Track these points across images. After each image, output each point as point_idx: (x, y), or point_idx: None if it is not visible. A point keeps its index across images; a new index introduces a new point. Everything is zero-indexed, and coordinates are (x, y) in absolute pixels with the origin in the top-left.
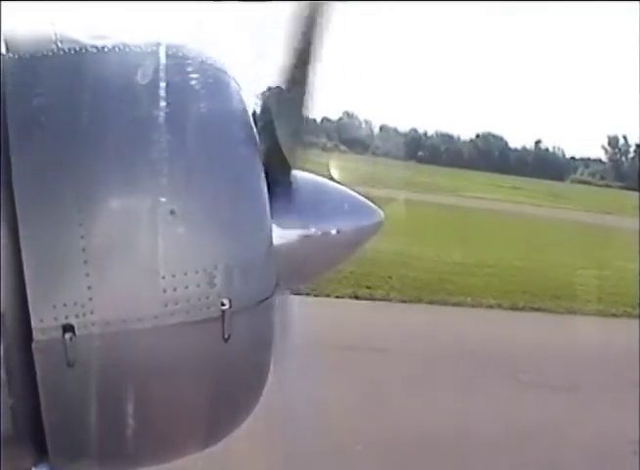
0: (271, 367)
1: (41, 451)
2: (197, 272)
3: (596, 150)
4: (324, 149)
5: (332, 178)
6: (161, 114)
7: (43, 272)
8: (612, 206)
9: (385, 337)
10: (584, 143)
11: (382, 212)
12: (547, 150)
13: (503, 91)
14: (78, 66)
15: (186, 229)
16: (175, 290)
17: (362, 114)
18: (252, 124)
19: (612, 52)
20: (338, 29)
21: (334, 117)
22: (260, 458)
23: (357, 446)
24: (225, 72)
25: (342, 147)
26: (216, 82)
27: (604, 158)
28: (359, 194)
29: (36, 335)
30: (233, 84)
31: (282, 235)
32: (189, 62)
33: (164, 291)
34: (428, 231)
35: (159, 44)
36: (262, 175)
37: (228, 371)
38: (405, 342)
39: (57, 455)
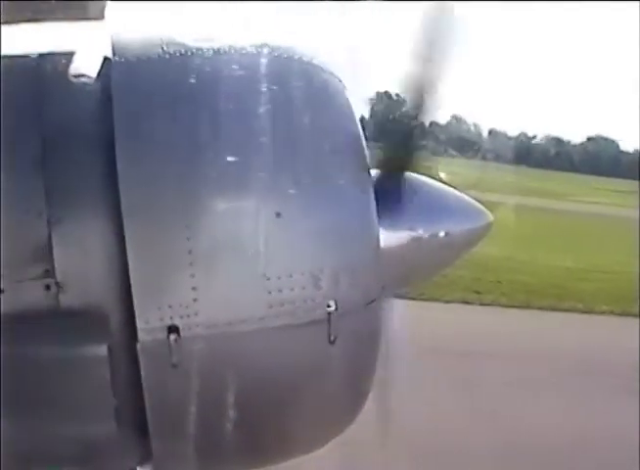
0: (377, 369)
1: (145, 452)
2: (302, 274)
3: None
4: (433, 153)
5: (441, 181)
6: (268, 116)
7: (149, 274)
8: None
9: (494, 342)
10: None
11: (490, 215)
12: None
13: (614, 93)
14: (184, 69)
15: (291, 231)
16: (280, 292)
17: (471, 117)
18: (360, 127)
19: None
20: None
21: (442, 120)
22: (371, 460)
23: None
24: (332, 74)
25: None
26: (323, 85)
27: None
28: (468, 197)
29: (141, 336)
30: (340, 87)
31: (389, 237)
32: (295, 64)
33: (270, 293)
34: (538, 236)
35: (264, 45)
36: (369, 178)
37: (334, 374)
38: (514, 347)
39: (161, 456)
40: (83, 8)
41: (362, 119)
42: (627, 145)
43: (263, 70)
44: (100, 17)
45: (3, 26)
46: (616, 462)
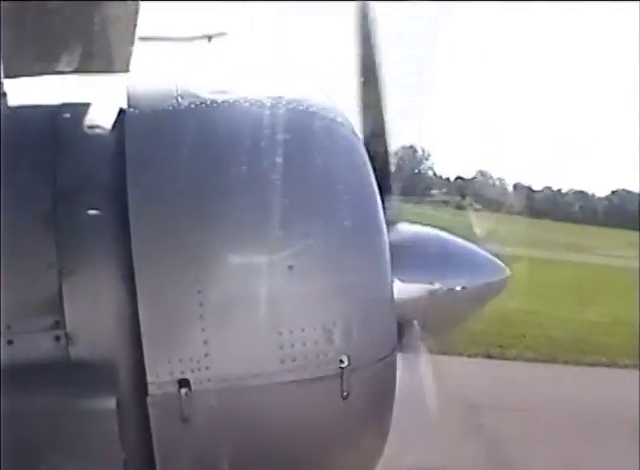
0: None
1: None
2: (315, 329)
3: None
4: (458, 207)
5: (464, 236)
6: (282, 169)
7: (159, 326)
8: None
9: (518, 397)
10: None
11: (508, 270)
12: None
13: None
14: (198, 122)
15: (304, 285)
16: (293, 346)
17: (496, 172)
18: (374, 179)
19: None
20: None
21: (467, 175)
22: None
23: None
24: (347, 127)
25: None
26: (338, 137)
27: None
28: (492, 252)
29: (152, 389)
30: (355, 139)
31: (405, 290)
32: (310, 117)
33: (282, 347)
34: (562, 289)
35: (280, 98)
36: (384, 230)
37: (347, 430)
38: (539, 402)
39: None
40: (109, 60)
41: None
42: None
43: (278, 122)
44: (125, 69)
45: (27, 78)
46: None
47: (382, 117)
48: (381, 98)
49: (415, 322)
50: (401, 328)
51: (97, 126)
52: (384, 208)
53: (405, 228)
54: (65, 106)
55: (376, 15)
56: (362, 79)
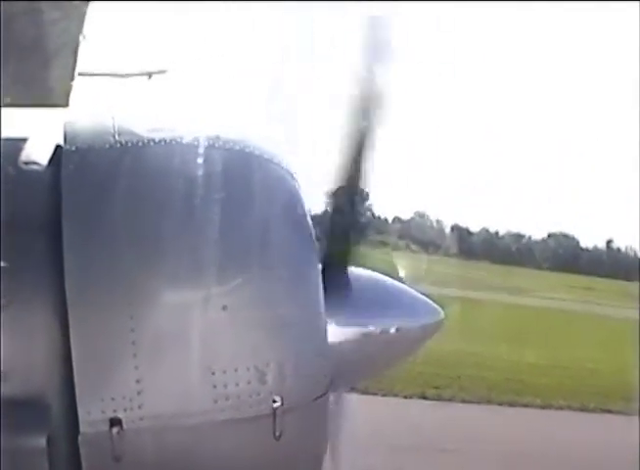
0: (324, 466)
1: None
2: (248, 369)
3: None
4: (395, 248)
5: (397, 277)
6: (217, 209)
7: (92, 364)
8: None
9: (452, 438)
10: None
11: (442, 312)
12: (619, 250)
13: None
14: (135, 159)
15: (238, 325)
16: (226, 386)
17: (433, 213)
18: (310, 222)
19: None
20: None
21: (405, 216)
22: None
23: None
24: (284, 169)
25: (414, 246)
26: (274, 178)
27: None
28: (428, 293)
29: (83, 427)
30: (291, 181)
31: (338, 332)
32: (246, 157)
33: (215, 387)
34: (499, 331)
35: (217, 138)
36: (319, 273)
37: (279, 469)
38: (472, 443)
39: None
40: (48, 95)
41: (322, 213)
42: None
43: (214, 162)
44: (64, 104)
45: None
46: None
47: (358, 167)
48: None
49: (348, 365)
50: (334, 370)
51: (33, 162)
52: (321, 249)
53: (342, 270)
54: (2, 140)
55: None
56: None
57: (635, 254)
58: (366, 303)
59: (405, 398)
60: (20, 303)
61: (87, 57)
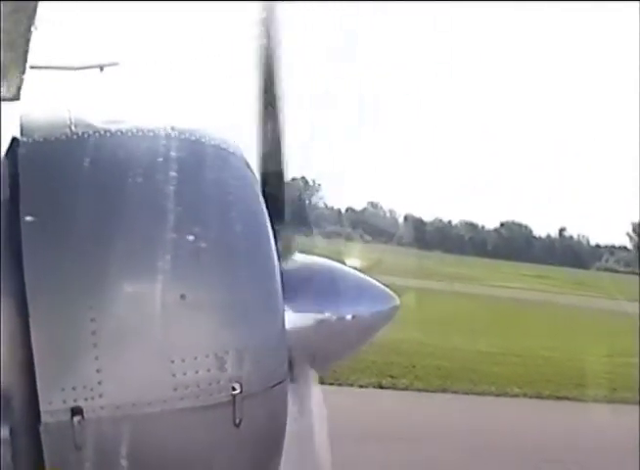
0: (283, 453)
1: None
2: (207, 356)
3: (621, 237)
4: (348, 238)
5: (350, 266)
6: (173, 199)
7: (52, 354)
8: (637, 293)
9: (407, 426)
10: (609, 230)
11: (397, 298)
12: (572, 238)
13: (526, 179)
14: (91, 150)
15: (196, 313)
16: (185, 374)
17: (386, 203)
18: (265, 209)
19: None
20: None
21: (358, 207)
22: None
23: None
24: (239, 157)
25: (367, 237)
26: (229, 167)
27: (629, 245)
28: (380, 282)
29: (45, 417)
30: (246, 169)
31: (295, 319)
32: (202, 147)
33: (174, 375)
34: (452, 320)
35: (172, 128)
36: (275, 260)
37: (240, 456)
38: (427, 431)
39: None
40: None
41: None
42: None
43: (169, 152)
44: (16, 97)
45: None
46: None
47: (279, 148)
48: (279, 130)
49: (306, 351)
50: (292, 357)
51: None
52: (276, 237)
53: (297, 258)
54: None
55: (278, 46)
56: (262, 110)
57: (588, 241)
58: (321, 290)
59: (360, 387)
60: None
61: (38, 50)
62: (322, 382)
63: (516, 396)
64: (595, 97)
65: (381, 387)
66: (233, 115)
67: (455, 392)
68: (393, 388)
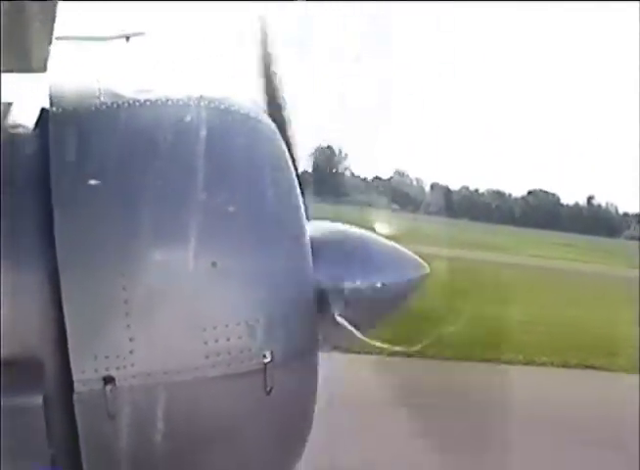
0: (314, 420)
1: None
2: (238, 324)
3: None
4: (375, 207)
5: (379, 234)
6: (204, 167)
7: (84, 324)
8: None
9: (435, 395)
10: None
11: (427, 266)
12: (600, 206)
13: (555, 148)
14: (121, 120)
15: (227, 281)
16: (217, 342)
17: (413, 172)
18: (295, 176)
19: None
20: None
21: (385, 175)
22: None
23: None
24: (268, 125)
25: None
26: (259, 135)
27: None
28: (405, 249)
29: (77, 386)
30: (276, 137)
31: (327, 287)
32: (232, 116)
33: (206, 343)
34: (479, 289)
35: (201, 97)
36: (305, 228)
37: (270, 423)
38: (455, 400)
39: None
40: (26, 60)
41: (304, 173)
42: (567, 198)
43: (199, 121)
44: (42, 69)
45: None
46: None
47: (284, 117)
48: (282, 99)
49: (337, 320)
50: (323, 325)
51: (20, 125)
52: (306, 206)
53: (326, 226)
54: None
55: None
56: (264, 80)
57: (616, 210)
58: (351, 258)
59: (389, 356)
60: (11, 264)
61: (64, 21)
62: (351, 351)
63: (543, 364)
64: (626, 66)
65: (409, 355)
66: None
67: (483, 360)
68: (422, 356)
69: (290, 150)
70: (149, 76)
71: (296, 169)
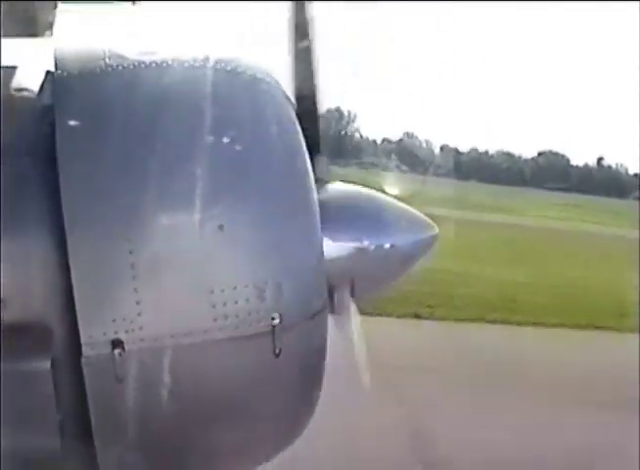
0: (324, 382)
1: (91, 466)
2: (246, 287)
3: None
4: (384, 169)
5: (388, 195)
6: (210, 129)
7: (92, 288)
8: None
9: (444, 357)
10: None
11: (436, 227)
12: (610, 167)
13: (565, 108)
14: (127, 82)
15: (235, 244)
16: (225, 305)
17: (422, 134)
18: (302, 139)
19: None
20: (397, 51)
21: (394, 137)
22: None
23: (417, 467)
24: (275, 86)
25: (403, 167)
26: (267, 99)
27: None
28: (414, 210)
29: (85, 350)
30: (283, 98)
31: (334, 249)
32: (239, 77)
33: (214, 306)
34: (489, 250)
35: (207, 58)
36: (313, 190)
37: (279, 386)
38: (464, 362)
39: None
40: (31, 24)
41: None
42: (577, 159)
43: (206, 83)
44: (47, 33)
45: None
46: None
47: (312, 78)
48: (312, 59)
49: (345, 280)
50: (331, 286)
51: (24, 89)
52: (313, 167)
53: (334, 187)
54: None
55: None
56: (294, 42)
57: (626, 171)
58: (360, 219)
59: (398, 317)
60: (17, 229)
61: None
62: (361, 312)
63: (554, 325)
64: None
65: (418, 317)
66: (264, 49)
67: (493, 321)
68: (431, 318)
69: (315, 120)
70: (154, 39)
71: (317, 129)
